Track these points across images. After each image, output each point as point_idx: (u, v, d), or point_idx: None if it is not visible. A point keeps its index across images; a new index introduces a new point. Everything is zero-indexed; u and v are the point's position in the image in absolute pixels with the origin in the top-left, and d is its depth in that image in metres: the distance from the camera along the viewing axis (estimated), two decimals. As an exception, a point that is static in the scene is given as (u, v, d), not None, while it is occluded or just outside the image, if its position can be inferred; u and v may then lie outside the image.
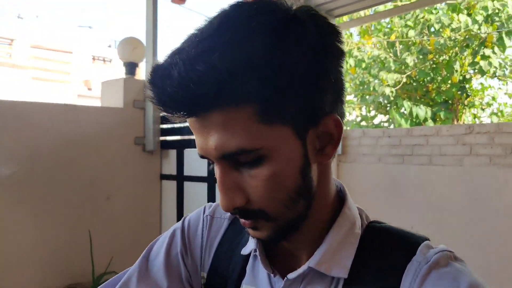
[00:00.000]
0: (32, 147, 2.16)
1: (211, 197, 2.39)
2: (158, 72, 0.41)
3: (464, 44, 5.24)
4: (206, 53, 0.39)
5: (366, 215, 0.54)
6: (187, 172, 2.56)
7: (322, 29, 0.45)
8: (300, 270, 0.49)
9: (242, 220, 0.47)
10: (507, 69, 5.41)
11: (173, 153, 2.65)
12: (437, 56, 5.59)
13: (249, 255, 0.56)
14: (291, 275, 0.50)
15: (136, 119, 2.62)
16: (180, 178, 2.59)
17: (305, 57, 0.42)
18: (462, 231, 2.71)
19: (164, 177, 2.70)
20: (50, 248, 2.20)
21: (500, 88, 6.25)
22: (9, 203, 2.06)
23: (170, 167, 2.67)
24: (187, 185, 2.56)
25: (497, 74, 5.38)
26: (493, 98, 6.12)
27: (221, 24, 0.42)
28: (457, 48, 5.29)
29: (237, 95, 0.40)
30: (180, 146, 2.61)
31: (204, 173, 2.42)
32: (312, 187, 0.47)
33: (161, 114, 2.63)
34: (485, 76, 5.47)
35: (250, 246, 0.55)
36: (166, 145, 2.69)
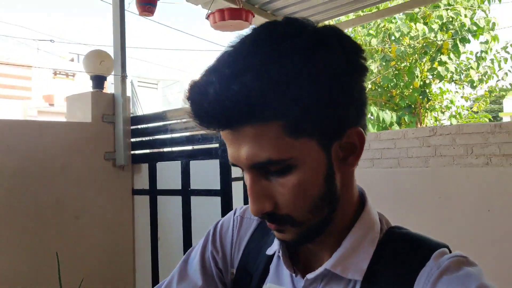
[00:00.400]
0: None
1: (186, 210, 2.35)
2: (195, 89, 0.46)
3: (423, 51, 5.50)
4: (240, 73, 0.44)
5: (386, 220, 0.57)
6: (160, 186, 2.51)
7: (346, 48, 0.48)
8: (317, 272, 0.53)
9: (269, 224, 0.51)
10: (462, 73, 5.72)
11: (145, 167, 2.60)
12: (399, 63, 5.84)
13: (273, 255, 0.60)
14: (309, 275, 0.53)
15: (105, 134, 2.56)
16: (153, 192, 2.54)
17: (330, 76, 0.46)
18: (429, 229, 2.81)
19: (137, 192, 2.64)
20: (13, 275, 2.08)
21: (457, 91, 6.61)
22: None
23: (142, 182, 2.61)
24: (160, 199, 2.51)
25: (454, 78, 5.67)
26: (451, 102, 6.45)
27: (254, 45, 0.46)
28: (416, 55, 5.55)
29: (267, 112, 0.44)
30: (152, 160, 2.56)
31: (178, 186, 2.39)
32: (336, 194, 0.51)
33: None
34: (443, 81, 5.76)
35: (275, 247, 0.58)
36: (137, 159, 2.63)
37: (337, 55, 0.47)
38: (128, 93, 2.69)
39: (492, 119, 7.88)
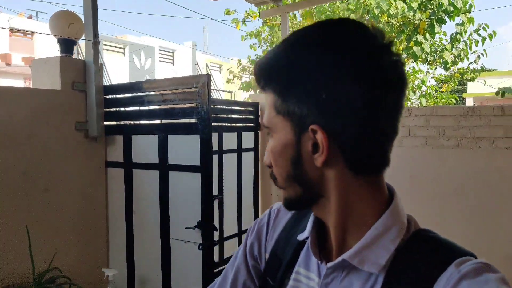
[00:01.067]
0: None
1: (163, 185, 2.30)
2: (272, 48, 0.57)
3: (400, 30, 5.53)
4: (273, 50, 0.56)
5: (415, 222, 0.58)
6: (136, 159, 2.43)
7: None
8: (335, 261, 0.55)
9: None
10: (436, 54, 5.82)
11: (119, 139, 2.49)
12: (374, 40, 5.84)
13: (304, 241, 0.63)
14: (329, 264, 0.57)
15: (76, 103, 2.41)
16: (129, 165, 2.45)
17: (299, 74, 0.54)
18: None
19: (110, 164, 2.54)
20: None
21: (428, 72, 6.75)
22: None
23: (116, 154, 2.51)
24: (136, 172, 2.43)
25: (428, 59, 5.77)
26: (423, 82, 6.59)
27: (305, 35, 0.56)
28: (393, 34, 5.57)
29: (268, 82, 0.56)
30: (127, 132, 2.46)
31: (155, 160, 2.31)
32: (306, 180, 0.55)
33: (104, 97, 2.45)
34: (417, 61, 5.84)
35: (306, 233, 0.62)
36: (111, 131, 2.51)
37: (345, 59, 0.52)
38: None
39: (458, 99, 8.16)
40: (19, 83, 12.10)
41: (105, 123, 2.48)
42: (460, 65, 6.11)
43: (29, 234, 2.06)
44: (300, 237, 0.63)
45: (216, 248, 2.97)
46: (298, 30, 0.56)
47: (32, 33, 14.71)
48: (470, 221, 2.68)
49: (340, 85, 0.50)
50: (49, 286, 1.99)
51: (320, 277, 0.58)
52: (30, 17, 16.28)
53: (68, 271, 2.21)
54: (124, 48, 14.96)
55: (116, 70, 12.35)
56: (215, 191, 2.82)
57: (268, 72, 0.56)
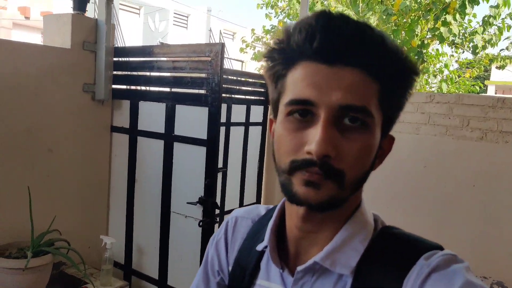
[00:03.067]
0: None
1: (167, 156, 2.23)
2: (333, 16, 0.48)
3: (428, 8, 5.23)
4: (379, 31, 0.49)
5: (382, 221, 0.58)
6: (141, 126, 2.35)
7: (414, 68, 0.52)
8: (307, 264, 0.54)
9: (307, 175, 0.48)
10: (465, 37, 5.52)
11: (126, 104, 2.41)
12: (400, 18, 5.57)
13: (264, 251, 0.61)
14: (300, 267, 0.55)
15: (85, 64, 2.32)
16: (134, 132, 2.38)
17: (413, 81, 0.52)
18: (408, 197, 2.82)
19: (115, 129, 2.47)
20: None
21: (452, 55, 6.44)
22: None
23: (122, 119, 2.43)
24: (141, 140, 2.36)
25: (455, 42, 5.47)
26: (446, 66, 6.30)
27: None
28: (421, 12, 5.27)
29: (383, 69, 0.49)
30: (135, 97, 2.37)
31: (161, 129, 2.24)
32: (366, 180, 0.53)
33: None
34: (443, 43, 5.56)
35: (264, 242, 0.59)
36: (118, 95, 2.43)
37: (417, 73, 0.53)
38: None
39: (483, 86, 7.84)
40: (36, 37, 12.02)
41: (113, 86, 2.40)
42: (488, 50, 5.80)
43: (30, 194, 2.03)
44: (259, 247, 0.61)
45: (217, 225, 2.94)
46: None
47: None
48: (487, 220, 2.57)
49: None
50: (47, 249, 1.97)
51: (284, 286, 0.57)
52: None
53: (67, 235, 2.19)
54: (139, 9, 14.67)
55: (130, 31, 12.15)
56: (220, 164, 2.76)
57: (392, 62, 0.50)
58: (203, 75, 2.00)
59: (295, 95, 0.50)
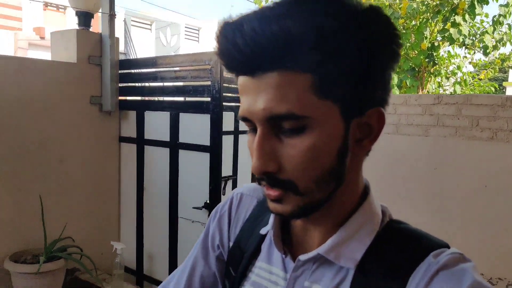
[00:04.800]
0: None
1: (173, 163, 2.26)
2: (231, 25, 0.43)
3: (436, 10, 5.18)
4: (282, 16, 0.42)
5: (390, 214, 0.55)
6: (147, 135, 2.40)
7: (385, 29, 0.47)
8: (310, 254, 0.52)
9: (267, 192, 0.48)
10: (476, 38, 5.43)
11: (132, 114, 2.46)
12: (407, 21, 5.52)
13: (266, 234, 0.59)
14: (302, 257, 0.53)
15: (91, 77, 2.39)
16: (141, 141, 2.42)
17: (369, 49, 0.44)
18: (418, 199, 2.77)
19: (123, 139, 2.52)
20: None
21: (465, 56, 6.33)
22: None
23: (129, 130, 2.48)
24: (148, 149, 2.40)
25: (466, 43, 5.39)
26: (458, 67, 6.20)
27: (299, 2, 0.44)
28: (428, 14, 5.23)
29: (302, 61, 0.42)
30: (140, 108, 2.42)
31: (166, 137, 2.27)
32: (344, 173, 0.48)
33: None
34: (453, 45, 5.48)
35: (268, 227, 0.57)
36: (125, 106, 2.48)
37: (377, 32, 0.46)
38: (121, 32, 2.47)
39: (498, 88, 7.67)
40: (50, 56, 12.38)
41: (120, 98, 2.46)
42: (502, 50, 5.69)
43: (42, 203, 2.09)
44: (263, 231, 0.59)
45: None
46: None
47: (65, 7, 14.94)
48: (500, 220, 2.50)
49: (385, 59, 0.48)
50: (59, 255, 2.01)
51: (285, 271, 0.56)
52: (65, -9, 16.53)
53: (79, 242, 2.23)
54: (151, 24, 14.99)
55: (143, 46, 12.41)
56: (229, 172, 2.76)
57: (305, 46, 0.41)
58: (204, 83, 2.03)
59: (239, 111, 0.48)
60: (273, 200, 0.48)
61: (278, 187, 0.47)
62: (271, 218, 0.57)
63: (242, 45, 0.42)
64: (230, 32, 0.43)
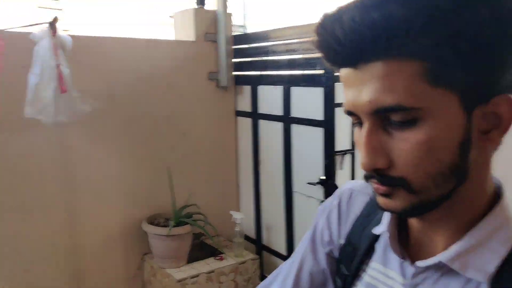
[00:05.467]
0: (111, 84, 2.17)
1: (286, 138, 2.25)
2: (330, 17, 0.41)
3: None
4: (383, 2, 0.38)
5: None
6: (261, 110, 2.43)
7: None
8: (429, 261, 0.47)
9: (376, 186, 0.45)
10: None
11: (247, 89, 2.51)
12: None
13: (379, 234, 0.56)
14: (420, 263, 0.48)
15: (208, 53, 2.49)
16: (255, 116, 2.47)
17: (494, 24, 0.38)
18: None
19: (239, 113, 2.61)
20: (131, 181, 2.30)
21: None
22: (92, 138, 2.15)
23: (244, 104, 2.55)
24: (262, 123, 2.45)
25: None
26: None
27: None
28: None
29: (409, 48, 0.38)
30: (254, 82, 2.45)
31: (279, 112, 2.27)
32: (467, 169, 0.43)
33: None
34: None
35: (382, 227, 0.53)
36: (240, 81, 2.55)
37: (507, 7, 0.39)
38: (240, 5, 2.50)
39: None
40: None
41: (234, 73, 2.52)
42: None
43: (170, 175, 2.32)
44: (376, 230, 0.55)
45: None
46: None
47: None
48: None
49: None
50: (186, 220, 2.23)
51: (404, 276, 0.51)
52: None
53: (202, 210, 2.43)
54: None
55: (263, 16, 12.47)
56: (346, 146, 2.65)
57: (411, 31, 0.37)
58: (316, 55, 1.93)
59: (344, 105, 0.46)
60: (383, 195, 0.45)
61: (389, 184, 0.43)
62: (386, 217, 0.53)
63: (341, 37, 0.40)
64: (329, 24, 0.41)
